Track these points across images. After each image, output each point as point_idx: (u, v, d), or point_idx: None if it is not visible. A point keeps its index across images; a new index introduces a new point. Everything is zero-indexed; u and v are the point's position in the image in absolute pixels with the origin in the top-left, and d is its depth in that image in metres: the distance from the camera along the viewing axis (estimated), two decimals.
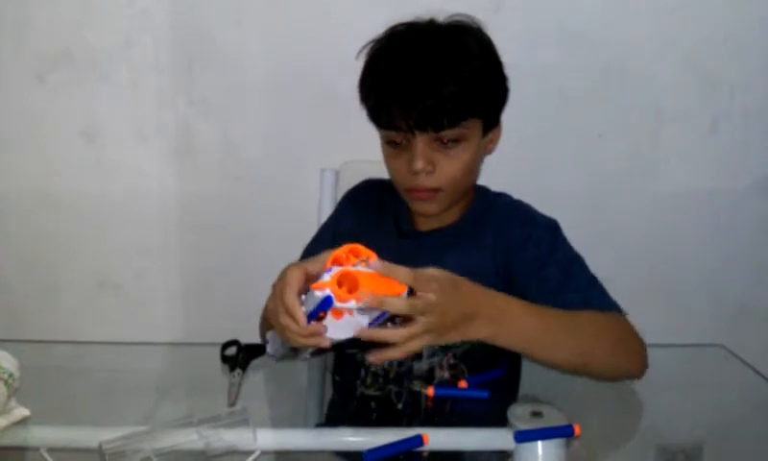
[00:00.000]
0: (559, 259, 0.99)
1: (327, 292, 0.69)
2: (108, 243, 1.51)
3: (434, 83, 0.93)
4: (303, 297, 0.74)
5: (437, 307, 0.75)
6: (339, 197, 1.27)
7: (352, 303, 0.70)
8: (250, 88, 1.43)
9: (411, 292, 0.74)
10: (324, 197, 1.33)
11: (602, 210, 1.46)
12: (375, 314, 0.73)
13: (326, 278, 0.70)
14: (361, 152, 1.32)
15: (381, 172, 1.15)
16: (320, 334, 0.74)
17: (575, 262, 1.00)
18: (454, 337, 0.78)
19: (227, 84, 1.43)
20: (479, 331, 0.80)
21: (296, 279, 0.75)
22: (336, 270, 0.71)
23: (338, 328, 0.73)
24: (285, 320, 0.75)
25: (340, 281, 0.70)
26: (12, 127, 1.45)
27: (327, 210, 1.30)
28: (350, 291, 0.70)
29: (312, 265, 0.76)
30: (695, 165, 1.47)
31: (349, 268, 0.71)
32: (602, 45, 1.40)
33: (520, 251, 0.99)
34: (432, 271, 0.77)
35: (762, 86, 1.42)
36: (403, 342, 0.75)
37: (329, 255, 0.73)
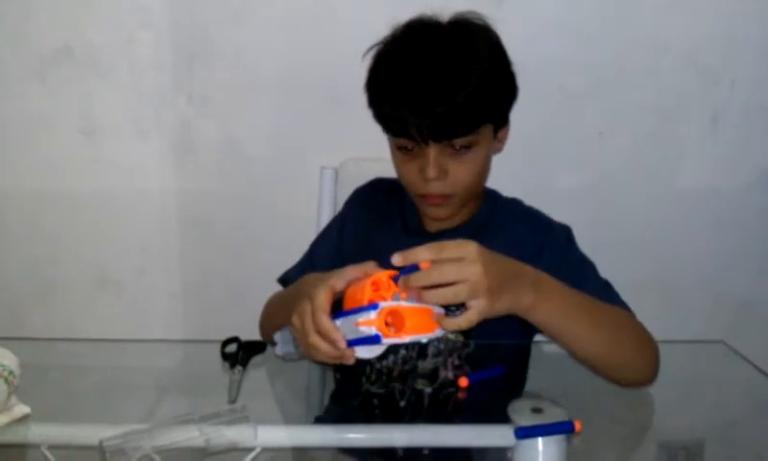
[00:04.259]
0: (572, 264, 0.99)
1: (375, 331, 0.70)
2: (107, 241, 1.51)
3: (447, 92, 0.92)
4: (338, 322, 0.74)
5: (481, 268, 0.71)
6: (339, 195, 1.27)
7: (397, 340, 0.71)
8: (250, 86, 1.43)
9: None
10: (323, 195, 1.33)
11: (603, 207, 1.46)
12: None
13: (372, 315, 0.70)
14: (361, 150, 1.32)
15: (381, 170, 1.15)
16: (350, 357, 0.74)
17: (588, 267, 1.00)
18: (505, 301, 0.74)
19: (227, 81, 1.43)
20: (526, 296, 0.76)
21: (326, 301, 0.75)
22: (383, 306, 0.70)
23: (366, 349, 0.74)
24: (315, 340, 0.75)
25: (387, 319, 0.70)
26: (11, 124, 1.45)
27: (327, 208, 1.30)
28: (396, 327, 0.70)
29: (337, 281, 0.76)
30: (696, 162, 1.46)
31: (394, 304, 0.71)
32: (603, 42, 1.40)
33: (536, 257, 0.98)
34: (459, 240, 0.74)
35: (763, 82, 1.42)
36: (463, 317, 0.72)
37: (363, 276, 0.73)
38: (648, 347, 0.91)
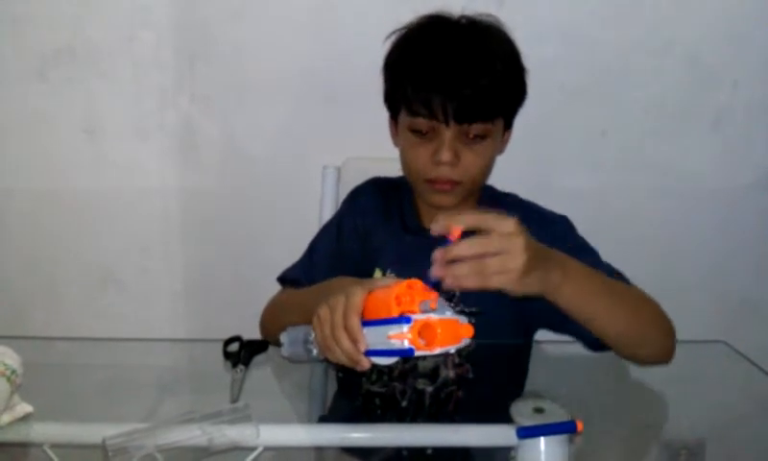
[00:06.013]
0: (577, 252, 0.99)
1: (408, 345, 0.69)
2: (109, 240, 1.51)
3: (475, 75, 0.94)
4: (365, 330, 0.73)
5: (523, 242, 0.72)
6: (341, 194, 1.27)
7: (427, 353, 0.70)
8: (251, 85, 1.43)
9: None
10: (325, 194, 1.33)
11: (605, 207, 1.46)
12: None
13: (405, 329, 0.69)
14: (363, 149, 1.32)
15: (383, 169, 1.15)
16: (364, 365, 0.74)
17: (594, 254, 1.01)
18: (534, 281, 0.74)
19: (228, 80, 1.43)
20: (554, 277, 0.77)
21: (360, 303, 0.74)
22: (416, 320, 0.69)
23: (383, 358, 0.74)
24: (340, 334, 0.74)
25: (420, 333, 0.69)
26: (13, 123, 1.45)
27: (329, 207, 1.30)
28: (427, 340, 0.70)
29: (371, 286, 0.75)
30: (698, 162, 1.46)
31: (425, 317, 0.70)
32: (604, 41, 1.40)
33: None
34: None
35: (765, 82, 1.42)
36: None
37: (393, 285, 0.72)
38: (664, 321, 0.92)
